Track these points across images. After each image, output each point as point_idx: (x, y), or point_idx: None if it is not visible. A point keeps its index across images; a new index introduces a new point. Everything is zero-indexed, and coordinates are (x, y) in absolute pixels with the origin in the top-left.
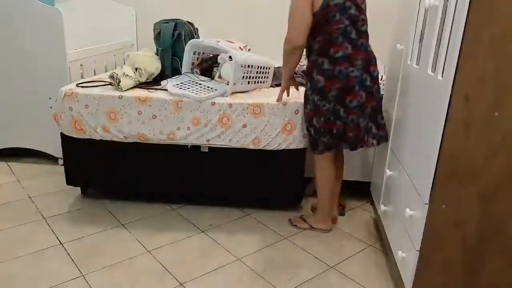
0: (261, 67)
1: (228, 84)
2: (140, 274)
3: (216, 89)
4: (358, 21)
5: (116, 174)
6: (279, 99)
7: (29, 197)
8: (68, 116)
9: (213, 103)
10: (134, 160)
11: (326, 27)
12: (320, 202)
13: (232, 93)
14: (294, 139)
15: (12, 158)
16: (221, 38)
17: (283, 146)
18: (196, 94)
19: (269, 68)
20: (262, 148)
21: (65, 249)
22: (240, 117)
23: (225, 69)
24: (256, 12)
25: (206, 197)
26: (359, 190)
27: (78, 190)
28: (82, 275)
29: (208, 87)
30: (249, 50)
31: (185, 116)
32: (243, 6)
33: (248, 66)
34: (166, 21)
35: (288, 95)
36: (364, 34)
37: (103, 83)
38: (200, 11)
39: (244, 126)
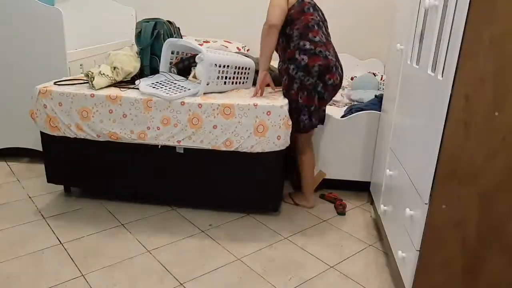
0: (239, 67)
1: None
2: (140, 274)
3: (189, 89)
4: (324, 23)
5: (99, 173)
6: (256, 94)
7: (29, 197)
8: (43, 113)
9: (183, 103)
10: (115, 159)
11: (303, 16)
12: (306, 181)
13: (209, 93)
14: (268, 142)
15: (12, 158)
16: (221, 39)
17: (258, 149)
18: (167, 93)
19: (248, 69)
20: (235, 150)
21: (65, 249)
22: (210, 118)
23: (199, 69)
24: (256, 12)
25: (198, 199)
26: (359, 190)
27: (78, 190)
28: (82, 275)
29: (182, 86)
30: (247, 50)
31: (155, 115)
32: (243, 6)
33: (224, 66)
34: (147, 20)
35: (262, 93)
36: (329, 36)
37: (81, 82)
38: (200, 11)
39: (215, 127)
